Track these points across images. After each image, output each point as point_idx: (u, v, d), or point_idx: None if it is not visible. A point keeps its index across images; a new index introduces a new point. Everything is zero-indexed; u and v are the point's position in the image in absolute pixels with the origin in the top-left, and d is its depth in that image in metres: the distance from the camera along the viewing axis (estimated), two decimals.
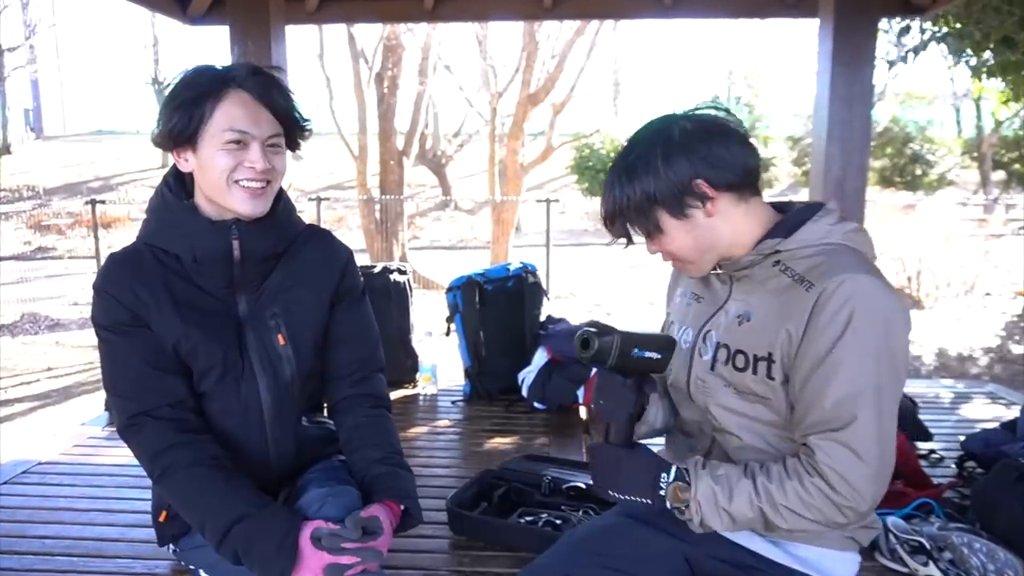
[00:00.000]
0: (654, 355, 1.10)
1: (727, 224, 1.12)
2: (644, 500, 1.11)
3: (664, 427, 1.32)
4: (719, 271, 1.19)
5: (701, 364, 1.18)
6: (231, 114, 1.18)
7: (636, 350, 1.08)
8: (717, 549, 1.18)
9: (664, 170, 1.08)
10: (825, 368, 1.03)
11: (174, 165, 1.26)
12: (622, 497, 1.12)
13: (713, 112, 1.14)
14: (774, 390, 1.10)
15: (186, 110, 1.18)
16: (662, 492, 1.09)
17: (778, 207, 1.19)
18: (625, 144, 1.15)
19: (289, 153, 1.28)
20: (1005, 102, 8.12)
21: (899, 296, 1.08)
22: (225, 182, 1.20)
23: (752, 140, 1.15)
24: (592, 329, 1.07)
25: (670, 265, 1.27)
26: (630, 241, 1.17)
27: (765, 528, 1.08)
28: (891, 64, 5.57)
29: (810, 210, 1.14)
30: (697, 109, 1.14)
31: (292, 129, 1.26)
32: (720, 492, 1.06)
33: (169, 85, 1.23)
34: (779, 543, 1.17)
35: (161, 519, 1.37)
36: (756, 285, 1.14)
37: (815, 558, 1.16)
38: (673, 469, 1.10)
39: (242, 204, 1.21)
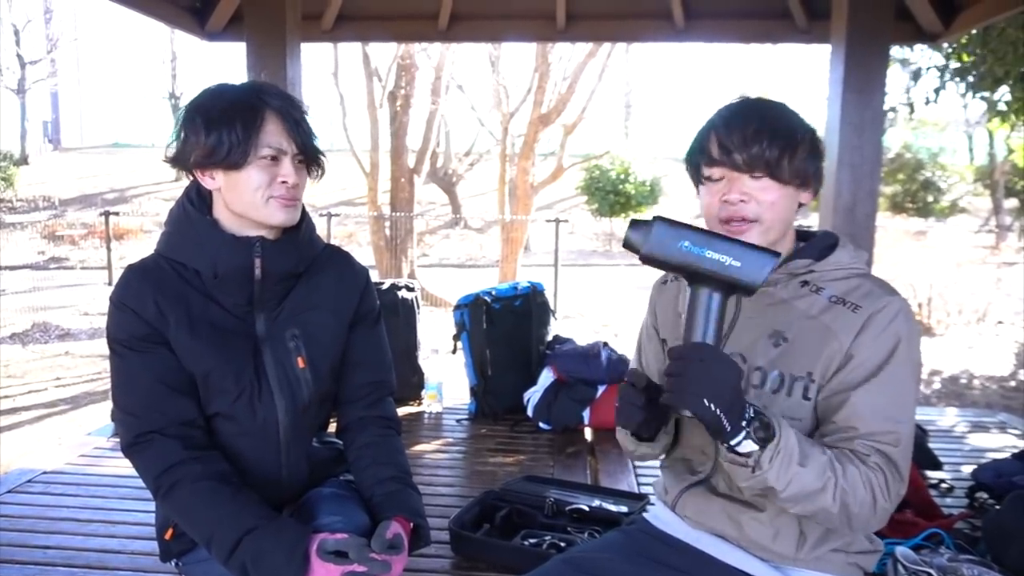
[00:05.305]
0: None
1: (791, 221, 1.16)
2: (718, 413, 0.93)
3: (663, 449, 1.27)
4: None
5: None
6: (270, 131, 1.20)
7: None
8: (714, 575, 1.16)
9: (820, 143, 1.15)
10: (875, 384, 1.07)
11: (195, 180, 1.26)
12: (699, 406, 0.93)
13: None
14: (806, 409, 1.11)
15: (229, 133, 1.18)
16: (746, 420, 0.96)
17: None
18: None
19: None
20: None
21: None
22: (261, 198, 1.21)
23: None
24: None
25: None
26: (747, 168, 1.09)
27: (799, 505, 1.03)
28: (911, 109, 5.55)
29: (830, 237, 1.19)
30: None
31: (309, 147, 1.27)
32: (798, 450, 1.00)
33: (192, 105, 1.21)
34: (781, 568, 1.15)
35: (167, 536, 1.35)
36: (781, 305, 1.14)
37: None
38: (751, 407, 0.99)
39: (277, 214, 1.23)
